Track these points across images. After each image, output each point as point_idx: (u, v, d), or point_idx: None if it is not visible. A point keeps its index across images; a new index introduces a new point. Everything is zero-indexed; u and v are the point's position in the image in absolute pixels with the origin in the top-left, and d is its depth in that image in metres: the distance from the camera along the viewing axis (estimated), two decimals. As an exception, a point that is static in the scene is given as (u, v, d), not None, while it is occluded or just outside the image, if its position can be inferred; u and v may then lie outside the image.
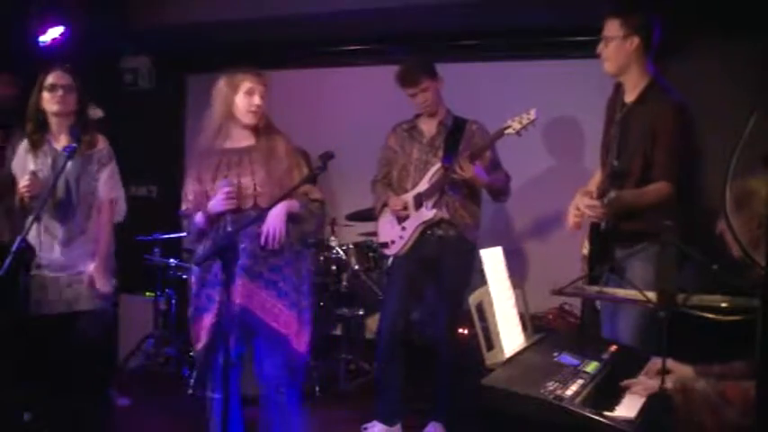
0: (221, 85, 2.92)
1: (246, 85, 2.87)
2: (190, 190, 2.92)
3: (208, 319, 2.81)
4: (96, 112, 3.25)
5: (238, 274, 2.74)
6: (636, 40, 2.81)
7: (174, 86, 5.93)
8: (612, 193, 2.76)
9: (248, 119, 2.89)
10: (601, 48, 2.89)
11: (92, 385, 3.22)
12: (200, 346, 2.84)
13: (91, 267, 3.16)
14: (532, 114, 3.39)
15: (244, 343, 2.88)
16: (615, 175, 2.84)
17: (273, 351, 2.86)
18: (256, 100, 2.87)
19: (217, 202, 2.81)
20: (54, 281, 3.15)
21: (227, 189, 2.79)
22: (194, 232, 2.92)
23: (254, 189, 2.84)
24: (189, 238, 2.97)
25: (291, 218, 2.87)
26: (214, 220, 2.85)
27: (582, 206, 2.83)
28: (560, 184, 4.77)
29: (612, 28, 2.85)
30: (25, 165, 3.18)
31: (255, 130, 2.93)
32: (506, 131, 3.45)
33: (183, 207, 2.96)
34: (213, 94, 2.93)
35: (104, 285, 3.18)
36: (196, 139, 2.98)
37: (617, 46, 2.83)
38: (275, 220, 2.79)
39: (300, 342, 2.87)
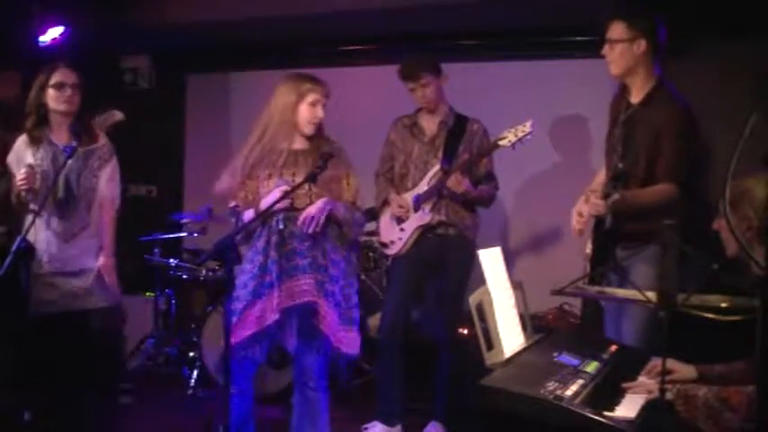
0: (286, 89, 2.93)
1: (313, 96, 2.92)
2: (241, 187, 2.92)
3: (254, 312, 2.82)
4: (116, 115, 3.22)
5: (304, 272, 2.82)
6: (643, 43, 2.79)
7: (174, 86, 5.93)
8: (616, 195, 2.76)
9: (308, 129, 2.95)
10: (606, 51, 2.87)
11: (101, 383, 3.22)
12: (241, 337, 2.83)
13: (99, 263, 3.16)
14: (528, 127, 3.38)
15: (298, 337, 2.92)
16: (619, 175, 2.84)
17: (312, 348, 2.92)
18: (319, 112, 2.94)
19: (272, 200, 2.82)
20: (60, 279, 3.15)
21: (283, 188, 2.82)
22: (232, 235, 2.86)
23: (309, 189, 2.87)
24: (236, 237, 2.92)
25: (335, 220, 2.90)
26: (266, 218, 2.85)
27: (585, 208, 2.84)
28: (560, 184, 4.79)
29: (617, 31, 2.83)
30: (23, 159, 3.17)
31: (310, 135, 2.98)
32: (501, 143, 3.45)
33: (233, 204, 2.95)
34: (276, 96, 2.95)
35: (113, 280, 3.18)
36: (248, 138, 2.98)
37: (624, 49, 2.81)
38: (315, 208, 2.84)
39: (346, 343, 2.91)
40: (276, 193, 2.81)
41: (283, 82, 2.96)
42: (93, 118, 3.31)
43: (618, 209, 2.77)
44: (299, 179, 2.86)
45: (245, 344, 2.82)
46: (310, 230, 2.81)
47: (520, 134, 3.39)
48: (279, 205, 2.79)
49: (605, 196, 2.85)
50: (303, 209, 2.85)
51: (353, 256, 3.04)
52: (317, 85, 2.94)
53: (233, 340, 2.79)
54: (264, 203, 2.84)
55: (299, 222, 2.82)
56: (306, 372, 2.96)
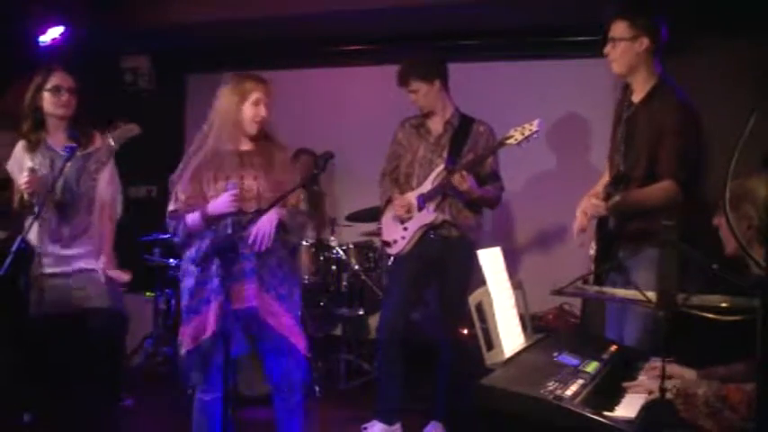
0: (228, 90, 2.92)
1: (255, 95, 2.89)
2: (182, 190, 2.89)
3: (208, 319, 2.79)
4: (133, 129, 3.22)
5: (248, 276, 2.79)
6: (645, 41, 2.82)
7: (174, 86, 5.93)
8: (617, 197, 2.76)
9: (252, 128, 2.91)
10: (608, 49, 2.89)
11: (101, 385, 3.22)
12: (194, 344, 2.82)
13: (101, 264, 3.16)
14: (535, 126, 3.38)
15: (248, 343, 2.90)
16: (621, 177, 2.84)
17: (279, 353, 2.90)
18: (262, 111, 2.90)
19: (221, 204, 2.80)
20: (60, 280, 3.14)
21: (233, 192, 2.79)
22: (183, 233, 2.88)
23: (258, 192, 2.85)
24: (176, 239, 2.88)
25: (281, 226, 2.88)
26: (212, 221, 2.83)
27: (587, 208, 2.85)
28: (560, 184, 4.80)
29: (619, 29, 2.85)
30: (22, 164, 3.17)
31: (255, 136, 2.95)
32: (507, 142, 3.44)
33: (172, 207, 2.91)
34: (218, 97, 2.93)
35: (120, 275, 3.18)
36: (194, 140, 2.97)
37: (626, 47, 2.84)
38: (267, 224, 2.80)
39: (300, 343, 2.91)
40: (226, 197, 2.78)
41: (226, 83, 2.94)
42: (91, 121, 3.30)
43: (619, 210, 2.77)
44: (247, 182, 2.84)
45: (204, 349, 2.77)
46: (263, 247, 2.79)
47: (527, 132, 3.39)
48: (230, 208, 2.78)
49: (607, 197, 2.85)
50: (253, 213, 2.79)
51: (294, 258, 3.02)
52: (260, 83, 2.92)
53: (190, 345, 2.80)
54: (213, 207, 2.80)
55: (251, 240, 2.78)
56: (277, 376, 2.94)
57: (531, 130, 3.39)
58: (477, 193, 3.60)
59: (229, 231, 2.78)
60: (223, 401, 2.64)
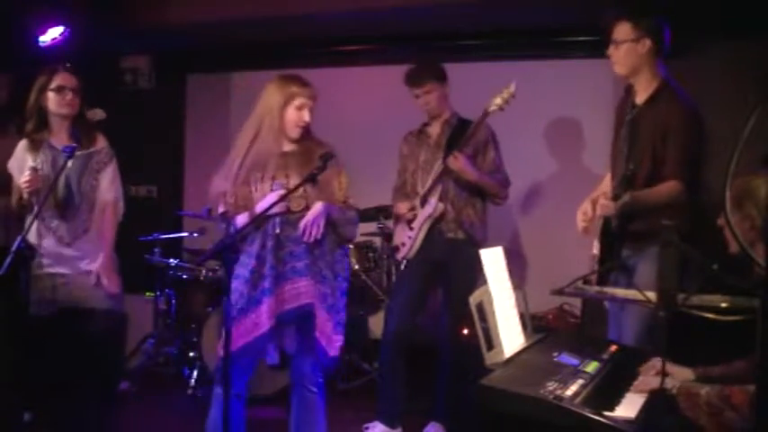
0: (273, 91, 2.88)
1: (300, 100, 2.87)
2: (231, 192, 2.85)
3: (247, 321, 2.78)
4: (97, 113, 3.24)
5: (301, 275, 2.81)
6: (648, 43, 2.82)
7: (174, 86, 5.93)
8: (626, 197, 2.77)
9: (295, 133, 2.89)
10: (611, 51, 2.90)
11: (98, 385, 3.21)
12: (236, 346, 2.78)
13: (96, 266, 3.16)
14: (512, 88, 3.47)
15: (295, 340, 2.91)
16: (629, 177, 2.85)
17: (307, 351, 2.90)
18: (306, 116, 2.89)
19: (267, 203, 2.77)
20: (60, 280, 3.14)
21: (280, 191, 2.77)
22: (233, 235, 2.80)
23: (305, 191, 2.83)
24: (226, 241, 2.73)
25: (330, 222, 2.86)
26: (261, 221, 2.80)
27: (590, 207, 2.85)
28: (560, 183, 4.80)
29: (623, 31, 2.85)
30: (24, 163, 3.17)
31: (297, 138, 2.93)
32: (490, 110, 3.51)
33: (222, 209, 2.89)
34: (264, 96, 2.89)
35: (112, 284, 3.18)
36: (237, 140, 2.93)
37: (629, 49, 2.84)
38: (316, 214, 2.80)
39: (332, 346, 2.89)
40: (272, 197, 2.77)
41: (271, 83, 2.92)
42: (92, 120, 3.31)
43: (627, 210, 2.78)
44: (293, 181, 2.82)
45: (240, 353, 2.77)
46: (312, 239, 2.79)
47: (506, 95, 3.49)
48: (275, 209, 2.75)
49: (615, 198, 2.86)
50: (299, 212, 2.81)
51: (343, 257, 2.99)
52: (304, 88, 2.90)
53: (241, 341, 2.78)
54: (260, 207, 2.79)
55: (301, 231, 2.78)
56: (303, 374, 2.95)
57: (510, 92, 3.48)
58: (474, 174, 3.58)
59: (278, 231, 2.79)
60: (233, 398, 2.64)
